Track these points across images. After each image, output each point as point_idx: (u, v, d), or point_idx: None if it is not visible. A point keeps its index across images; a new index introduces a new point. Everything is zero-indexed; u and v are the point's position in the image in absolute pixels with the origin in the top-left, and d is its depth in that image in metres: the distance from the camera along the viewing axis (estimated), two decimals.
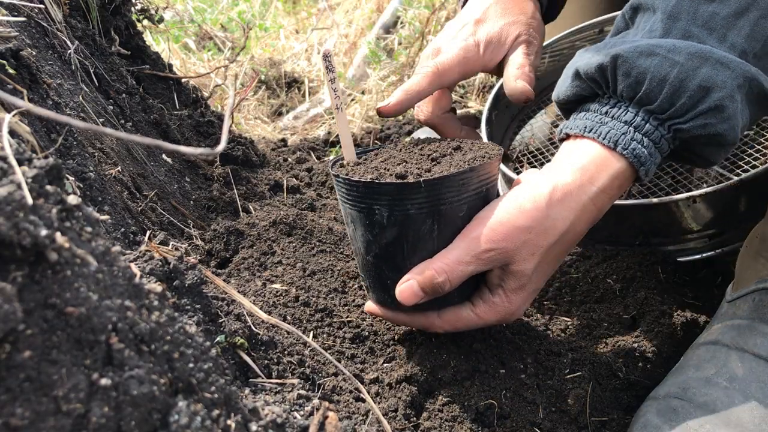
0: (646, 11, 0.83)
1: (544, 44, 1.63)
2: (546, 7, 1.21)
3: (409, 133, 2.06)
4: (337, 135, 2.20)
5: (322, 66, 0.85)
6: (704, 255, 1.17)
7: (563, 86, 0.89)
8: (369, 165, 0.85)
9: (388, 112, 0.98)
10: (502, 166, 1.37)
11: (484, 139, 1.52)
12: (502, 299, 0.82)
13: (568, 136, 0.86)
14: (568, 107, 0.91)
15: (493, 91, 1.57)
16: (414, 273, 0.80)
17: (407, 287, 0.79)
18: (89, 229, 0.52)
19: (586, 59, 0.84)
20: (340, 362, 0.90)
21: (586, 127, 0.82)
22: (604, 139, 0.80)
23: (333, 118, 2.63)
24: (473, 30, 1.04)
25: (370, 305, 0.92)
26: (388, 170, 0.81)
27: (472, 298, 0.85)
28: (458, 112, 2.22)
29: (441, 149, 0.87)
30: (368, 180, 0.78)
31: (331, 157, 0.86)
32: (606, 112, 0.82)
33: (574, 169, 0.79)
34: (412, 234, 0.78)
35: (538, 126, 1.64)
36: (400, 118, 2.40)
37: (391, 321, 0.92)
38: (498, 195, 0.85)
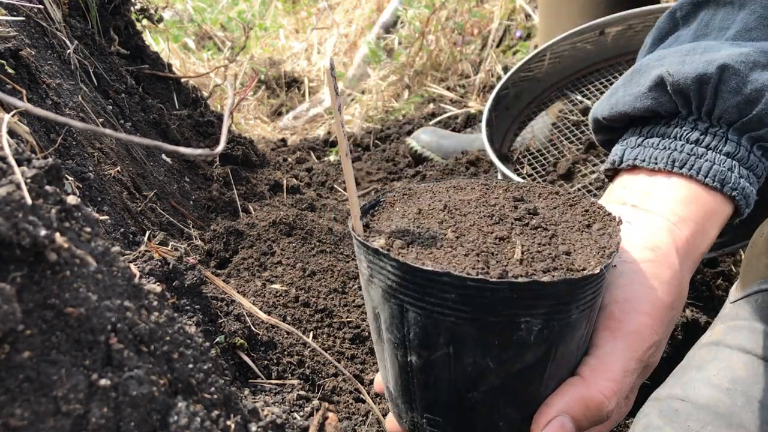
0: (723, 6, 0.68)
1: (544, 46, 1.64)
2: None
3: (409, 132, 2.05)
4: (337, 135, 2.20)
5: (327, 80, 0.64)
6: (705, 255, 1.17)
7: (629, 96, 0.69)
8: (423, 240, 0.55)
9: None
10: (503, 167, 1.36)
11: (485, 139, 1.52)
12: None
13: (634, 167, 0.67)
14: (617, 125, 0.72)
15: (494, 92, 1.57)
16: (558, 406, 0.54)
17: (558, 427, 0.54)
18: (88, 229, 0.52)
19: (675, 65, 0.65)
20: (340, 363, 0.89)
21: (675, 161, 0.64)
22: (707, 177, 0.63)
23: (333, 117, 2.63)
24: None
25: None
26: (494, 254, 0.53)
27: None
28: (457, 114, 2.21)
29: (504, 208, 0.60)
30: (507, 280, 0.49)
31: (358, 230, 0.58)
32: (697, 140, 0.64)
33: (683, 219, 0.62)
34: (563, 349, 0.54)
35: (538, 127, 1.64)
36: (400, 117, 2.40)
37: None
38: None
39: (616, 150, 0.70)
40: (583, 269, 0.51)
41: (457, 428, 0.58)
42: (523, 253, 0.53)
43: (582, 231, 0.57)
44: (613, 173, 0.72)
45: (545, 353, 0.53)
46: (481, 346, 0.52)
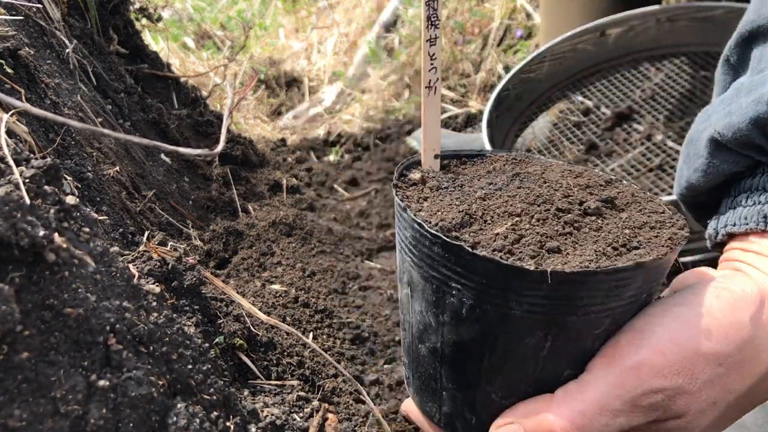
0: None
1: (545, 46, 1.63)
2: None
3: (410, 132, 2.05)
4: (338, 134, 2.20)
5: (423, 14, 0.56)
6: (706, 255, 1.17)
7: (694, 172, 0.62)
8: (454, 196, 0.57)
9: None
10: None
11: (485, 140, 1.52)
12: None
13: (731, 235, 0.60)
14: (704, 198, 0.65)
15: (495, 92, 1.56)
16: (518, 414, 0.51)
17: None
18: (87, 229, 0.51)
19: (722, 120, 0.59)
20: (339, 363, 0.89)
21: (766, 216, 0.57)
22: None
23: (333, 117, 2.63)
24: None
25: (410, 406, 0.64)
26: (485, 220, 0.53)
27: None
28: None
29: (584, 195, 0.57)
30: (450, 238, 0.49)
31: (402, 164, 0.62)
32: None
33: None
34: (505, 344, 0.51)
35: (539, 128, 1.64)
36: (400, 117, 2.40)
37: None
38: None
39: (711, 224, 0.62)
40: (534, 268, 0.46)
41: (414, 381, 0.61)
42: (523, 236, 0.51)
43: (627, 246, 0.50)
44: (719, 248, 0.63)
45: (482, 336, 0.51)
46: (424, 298, 0.54)
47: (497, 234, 0.50)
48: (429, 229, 0.50)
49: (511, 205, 0.54)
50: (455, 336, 0.53)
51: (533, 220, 0.53)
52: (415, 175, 0.60)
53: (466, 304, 0.50)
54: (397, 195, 0.57)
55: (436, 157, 0.62)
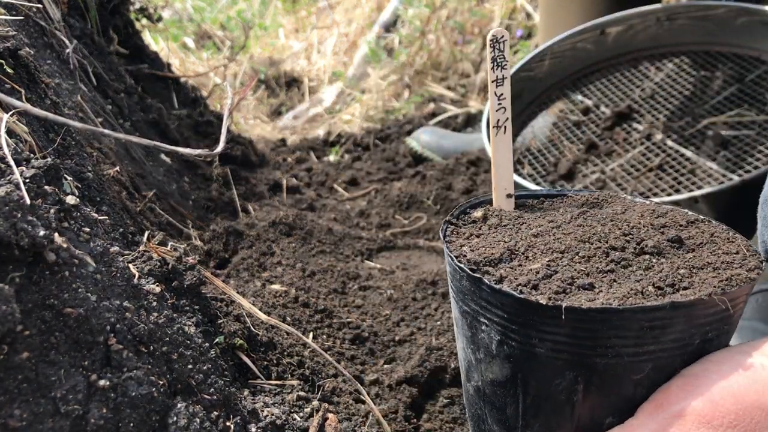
0: None
1: (545, 45, 1.63)
2: None
3: (409, 132, 2.05)
4: (338, 135, 2.20)
5: (488, 56, 0.57)
6: None
7: None
8: (508, 233, 0.55)
9: None
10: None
11: (485, 140, 1.52)
12: None
13: None
14: None
15: None
16: None
17: None
18: (87, 229, 0.51)
19: None
20: (339, 363, 0.89)
21: None
22: None
23: (333, 117, 2.63)
24: None
25: None
26: (527, 257, 0.51)
27: None
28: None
29: (650, 234, 0.53)
30: (470, 268, 0.48)
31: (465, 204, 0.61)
32: None
33: None
34: (536, 385, 0.48)
35: (538, 127, 1.64)
36: (400, 117, 2.40)
37: None
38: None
39: None
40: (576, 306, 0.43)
41: (468, 420, 0.59)
42: (560, 272, 0.48)
43: (670, 284, 0.46)
44: None
45: (512, 375, 0.49)
46: (462, 333, 0.52)
47: (531, 269, 0.48)
48: (457, 263, 0.49)
49: (559, 242, 0.52)
50: (491, 374, 0.51)
51: (577, 256, 0.50)
52: (478, 213, 0.59)
53: (494, 339, 0.48)
54: (446, 231, 0.56)
55: (509, 196, 0.60)
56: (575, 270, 0.48)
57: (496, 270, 0.49)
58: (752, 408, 0.44)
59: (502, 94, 0.57)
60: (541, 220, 0.57)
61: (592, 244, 0.51)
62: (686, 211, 0.58)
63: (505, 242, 0.52)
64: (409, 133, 2.07)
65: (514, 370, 0.49)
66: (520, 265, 0.49)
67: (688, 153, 1.36)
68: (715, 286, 0.45)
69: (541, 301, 0.43)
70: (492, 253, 0.50)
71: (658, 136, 1.43)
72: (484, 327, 0.49)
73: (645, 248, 0.50)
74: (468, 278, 0.48)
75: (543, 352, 0.46)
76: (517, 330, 0.46)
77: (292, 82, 3.01)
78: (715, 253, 0.50)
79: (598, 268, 0.48)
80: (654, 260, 0.49)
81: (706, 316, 0.45)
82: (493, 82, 0.57)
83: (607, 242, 0.51)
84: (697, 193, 1.07)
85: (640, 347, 0.44)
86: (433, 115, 2.24)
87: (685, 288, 0.45)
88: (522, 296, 0.44)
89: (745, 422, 0.44)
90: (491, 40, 0.56)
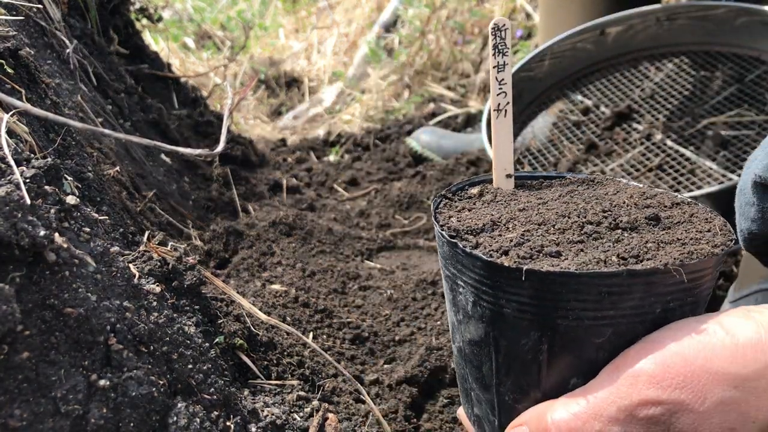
0: None
1: (545, 45, 1.63)
2: None
3: (409, 132, 2.05)
4: (338, 135, 2.20)
5: (490, 43, 0.59)
6: None
7: (749, 222, 0.62)
8: (498, 208, 0.58)
9: None
10: None
11: (485, 140, 1.52)
12: None
13: None
14: None
15: None
16: (527, 416, 0.52)
17: None
18: (87, 229, 0.52)
19: (761, 164, 0.58)
20: (339, 363, 0.89)
21: None
22: None
23: (333, 117, 2.63)
24: None
25: (460, 411, 0.65)
26: (508, 227, 0.54)
27: None
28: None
29: (630, 212, 0.55)
30: (449, 234, 0.52)
31: (456, 183, 0.64)
32: None
33: None
34: (506, 345, 0.52)
35: (538, 127, 1.64)
36: (400, 117, 2.40)
37: None
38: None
39: None
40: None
41: (458, 380, 0.63)
42: (532, 239, 0.51)
43: (633, 255, 0.49)
44: None
45: (485, 335, 0.52)
46: (447, 297, 0.56)
47: (506, 238, 0.51)
48: (439, 229, 0.53)
49: (539, 216, 0.55)
50: (468, 334, 0.55)
51: (552, 228, 0.53)
52: (474, 190, 0.62)
53: (469, 301, 0.52)
54: (438, 203, 0.59)
55: (508, 176, 0.63)
56: (547, 240, 0.51)
57: (476, 238, 0.52)
58: (700, 371, 0.45)
59: (503, 80, 0.60)
60: (532, 198, 0.60)
61: (569, 218, 0.54)
62: (676, 194, 0.60)
63: (492, 215, 0.56)
64: (409, 133, 2.07)
65: (486, 329, 0.52)
66: (499, 235, 0.53)
67: (688, 153, 1.36)
68: (675, 258, 0.47)
69: (506, 264, 0.47)
70: (476, 224, 0.54)
71: (658, 136, 1.43)
72: (461, 289, 0.53)
73: (620, 224, 0.53)
74: (447, 243, 0.52)
75: (510, 312, 0.50)
76: (488, 291, 0.50)
77: (292, 82, 3.02)
78: (689, 231, 0.53)
79: (569, 239, 0.51)
80: (626, 235, 0.52)
81: (666, 286, 0.47)
82: (494, 67, 0.59)
83: (585, 217, 0.54)
84: (696, 193, 1.07)
85: (599, 312, 0.47)
86: (433, 115, 2.25)
87: (648, 260, 0.48)
88: (490, 259, 0.48)
89: (692, 384, 0.45)
90: (493, 28, 0.58)
